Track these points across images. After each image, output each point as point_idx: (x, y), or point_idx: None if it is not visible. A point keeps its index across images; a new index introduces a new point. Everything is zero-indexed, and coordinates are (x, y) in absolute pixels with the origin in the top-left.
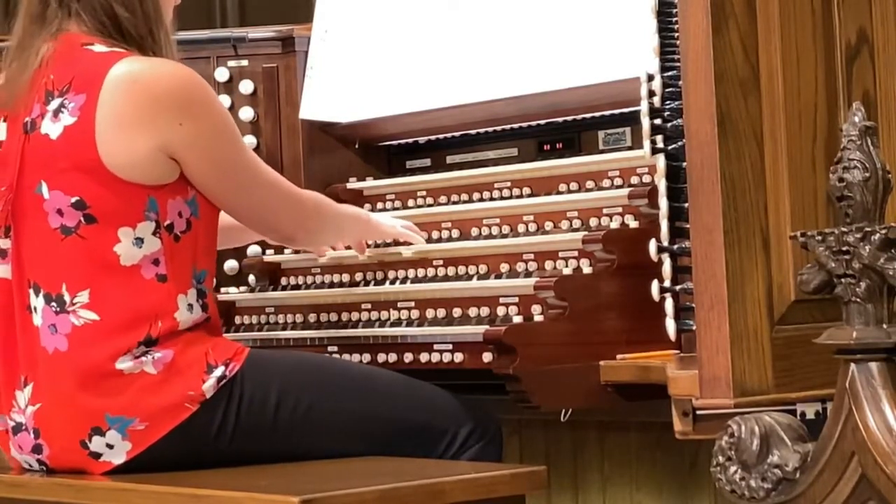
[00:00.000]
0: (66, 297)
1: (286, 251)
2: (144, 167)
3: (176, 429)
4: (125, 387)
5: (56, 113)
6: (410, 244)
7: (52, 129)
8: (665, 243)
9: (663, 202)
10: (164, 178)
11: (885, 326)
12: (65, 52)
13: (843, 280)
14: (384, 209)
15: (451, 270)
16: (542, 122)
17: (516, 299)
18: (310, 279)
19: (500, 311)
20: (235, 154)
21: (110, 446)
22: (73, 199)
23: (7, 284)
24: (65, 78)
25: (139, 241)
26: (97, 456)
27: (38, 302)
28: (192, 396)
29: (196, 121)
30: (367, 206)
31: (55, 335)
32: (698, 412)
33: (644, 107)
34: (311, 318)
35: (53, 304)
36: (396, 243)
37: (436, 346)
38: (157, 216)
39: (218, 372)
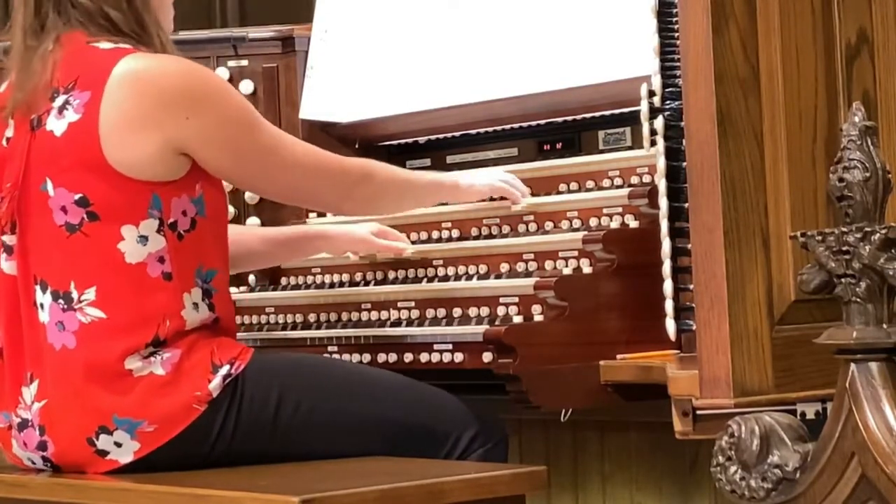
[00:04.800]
0: (74, 295)
1: None
2: (149, 164)
3: (185, 429)
4: (133, 386)
5: (61, 110)
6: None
7: (56, 125)
8: (665, 243)
9: (663, 202)
10: (170, 174)
11: (885, 326)
12: (71, 51)
13: (843, 280)
14: None
15: (451, 270)
16: (542, 122)
17: (516, 299)
18: (310, 279)
19: (500, 311)
20: (253, 141)
21: (118, 445)
22: (77, 197)
23: (13, 281)
24: (70, 75)
25: (143, 239)
26: (104, 454)
27: (44, 299)
28: (200, 397)
29: (203, 114)
30: None
31: (62, 332)
32: (698, 412)
33: (644, 107)
34: (311, 318)
35: (61, 301)
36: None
37: (436, 346)
38: (160, 214)
39: (223, 371)
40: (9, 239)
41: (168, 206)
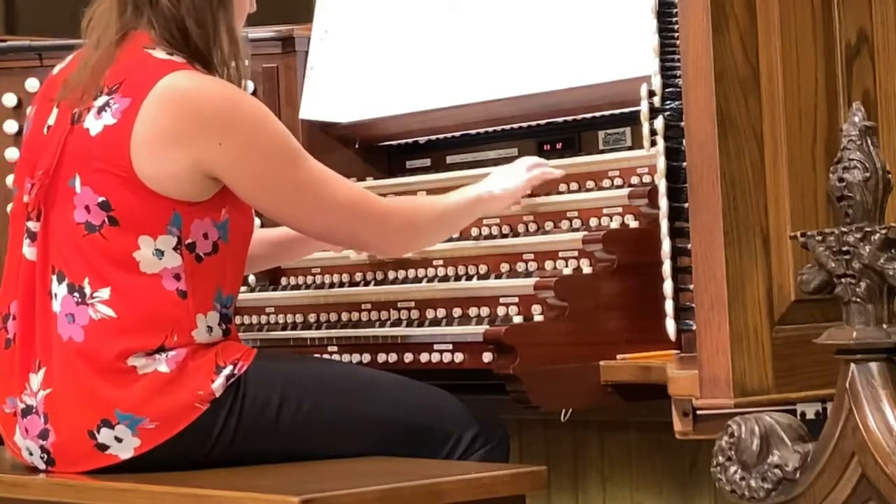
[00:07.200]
0: (88, 290)
1: None
2: (175, 182)
3: (186, 428)
4: (137, 382)
5: (100, 110)
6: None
7: (93, 125)
8: (665, 243)
9: (663, 202)
10: (195, 195)
11: (885, 326)
12: (128, 51)
13: (843, 280)
14: None
15: (451, 270)
16: (542, 122)
17: (516, 299)
18: (310, 279)
19: (500, 311)
20: (288, 176)
21: (119, 440)
22: (100, 199)
23: (33, 267)
24: (118, 77)
25: (159, 253)
26: (104, 448)
27: (59, 289)
28: (202, 396)
29: (237, 142)
30: None
31: (72, 325)
32: (698, 412)
33: (644, 107)
34: (311, 318)
35: (76, 294)
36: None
37: (436, 346)
38: (179, 232)
39: (226, 371)
40: (33, 225)
41: (188, 226)
